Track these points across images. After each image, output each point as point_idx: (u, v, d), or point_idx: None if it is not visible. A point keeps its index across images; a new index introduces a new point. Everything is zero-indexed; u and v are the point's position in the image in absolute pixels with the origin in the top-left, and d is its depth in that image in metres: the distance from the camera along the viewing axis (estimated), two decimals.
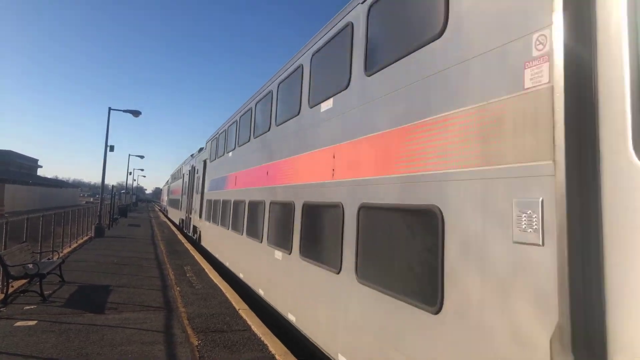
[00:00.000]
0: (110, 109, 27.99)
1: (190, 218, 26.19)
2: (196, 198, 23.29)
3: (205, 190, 19.86)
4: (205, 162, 20.79)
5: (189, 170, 28.15)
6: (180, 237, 28.13)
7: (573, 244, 2.70)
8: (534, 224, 3.09)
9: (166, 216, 56.84)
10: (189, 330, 8.14)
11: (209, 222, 17.90)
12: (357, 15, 6.18)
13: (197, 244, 22.36)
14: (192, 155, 30.05)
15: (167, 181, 67.76)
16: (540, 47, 3.16)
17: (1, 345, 6.92)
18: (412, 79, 4.70)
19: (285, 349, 7.33)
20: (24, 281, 10.81)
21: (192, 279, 13.36)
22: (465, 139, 3.80)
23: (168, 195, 58.11)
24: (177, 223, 37.06)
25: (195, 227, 23.47)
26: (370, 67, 5.67)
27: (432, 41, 4.42)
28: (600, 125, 2.72)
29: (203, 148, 24.27)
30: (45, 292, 10.11)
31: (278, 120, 9.61)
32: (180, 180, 36.21)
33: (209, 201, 18.19)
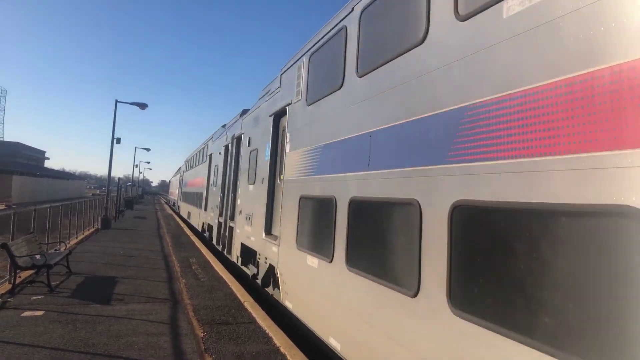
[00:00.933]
0: (117, 101, 28.08)
1: (231, 229, 14.68)
2: (249, 192, 12.27)
3: (292, 173, 8.47)
4: (283, 113, 9.60)
5: (226, 147, 17.22)
6: (186, 230, 28.23)
7: None
8: None
9: (177, 213, 45.87)
10: (195, 322, 8.18)
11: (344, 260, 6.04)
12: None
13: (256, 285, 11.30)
14: (224, 126, 19.87)
15: (179, 169, 50.11)
16: None
17: (9, 335, 6.99)
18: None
19: (290, 341, 7.35)
20: (31, 272, 10.88)
21: (197, 271, 13.42)
22: None
23: (181, 187, 42.98)
24: (198, 228, 25.72)
25: (248, 250, 11.85)
26: None
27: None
28: None
29: (249, 109, 13.73)
30: (52, 283, 10.19)
31: None
32: (204, 165, 24.39)
33: (310, 203, 7.56)
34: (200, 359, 6.44)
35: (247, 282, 12.09)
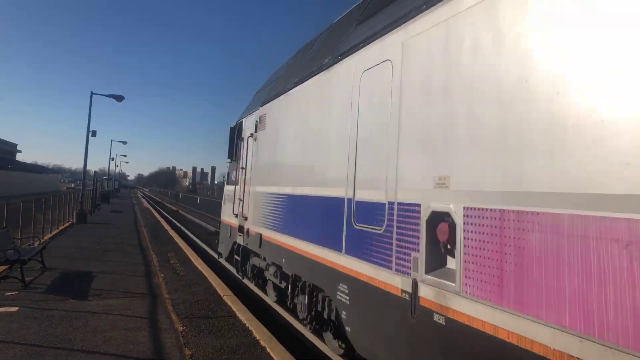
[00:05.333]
0: (92, 93, 27.53)
1: None
2: None
3: None
4: None
5: None
6: (164, 223, 27.94)
7: None
8: None
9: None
10: (174, 317, 8.15)
11: None
12: None
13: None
14: None
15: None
16: None
17: None
18: None
19: (269, 334, 7.39)
20: (3, 267, 10.65)
21: (176, 266, 13.33)
22: None
23: None
24: None
25: None
26: None
27: None
28: None
29: None
30: (26, 279, 9.99)
31: None
32: None
33: None
34: (180, 353, 6.44)
35: (227, 277, 12.08)
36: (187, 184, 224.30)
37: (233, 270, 12.93)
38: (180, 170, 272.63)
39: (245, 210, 10.19)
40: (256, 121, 9.96)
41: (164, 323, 7.74)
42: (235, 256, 11.44)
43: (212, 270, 12.81)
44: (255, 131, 9.95)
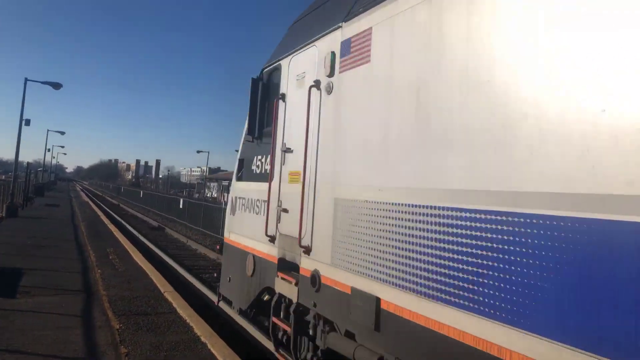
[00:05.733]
0: (26, 79, 25.94)
1: None
2: None
3: None
4: None
5: None
6: (104, 218, 26.83)
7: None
8: None
9: None
10: (110, 314, 7.85)
11: None
12: None
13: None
14: None
15: None
16: None
17: None
18: None
19: (211, 330, 7.29)
20: None
21: (115, 261, 12.83)
22: None
23: None
24: None
25: None
26: None
27: None
28: None
29: None
30: None
31: None
32: None
33: None
34: (115, 351, 6.22)
35: (168, 273, 11.79)
36: (130, 177, 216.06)
37: (254, 332, 7.96)
38: (123, 163, 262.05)
39: (306, 232, 5.14)
40: (332, 54, 5.00)
41: (100, 320, 7.45)
42: (274, 319, 5.85)
43: (152, 266, 12.45)
44: (330, 74, 4.99)
